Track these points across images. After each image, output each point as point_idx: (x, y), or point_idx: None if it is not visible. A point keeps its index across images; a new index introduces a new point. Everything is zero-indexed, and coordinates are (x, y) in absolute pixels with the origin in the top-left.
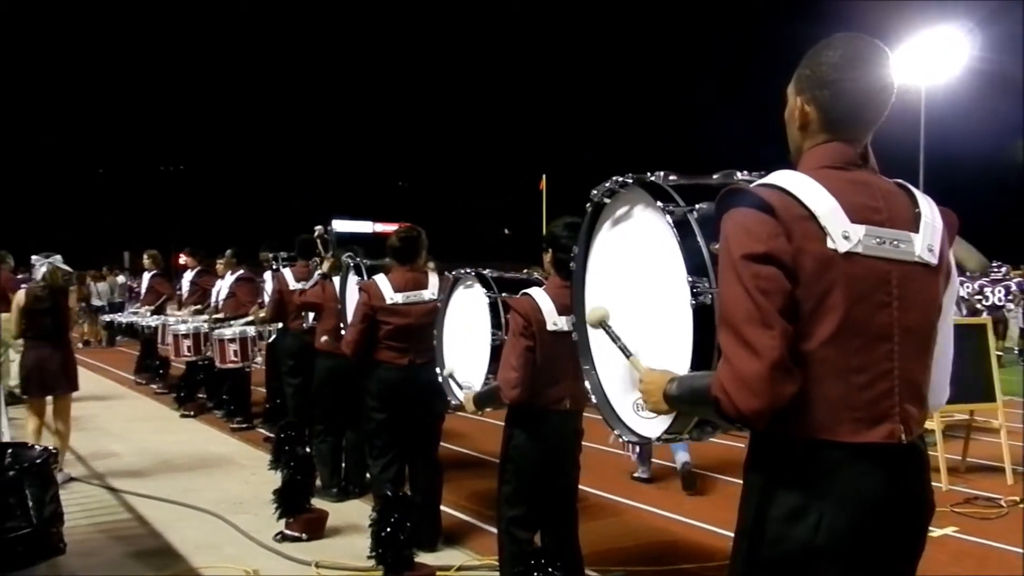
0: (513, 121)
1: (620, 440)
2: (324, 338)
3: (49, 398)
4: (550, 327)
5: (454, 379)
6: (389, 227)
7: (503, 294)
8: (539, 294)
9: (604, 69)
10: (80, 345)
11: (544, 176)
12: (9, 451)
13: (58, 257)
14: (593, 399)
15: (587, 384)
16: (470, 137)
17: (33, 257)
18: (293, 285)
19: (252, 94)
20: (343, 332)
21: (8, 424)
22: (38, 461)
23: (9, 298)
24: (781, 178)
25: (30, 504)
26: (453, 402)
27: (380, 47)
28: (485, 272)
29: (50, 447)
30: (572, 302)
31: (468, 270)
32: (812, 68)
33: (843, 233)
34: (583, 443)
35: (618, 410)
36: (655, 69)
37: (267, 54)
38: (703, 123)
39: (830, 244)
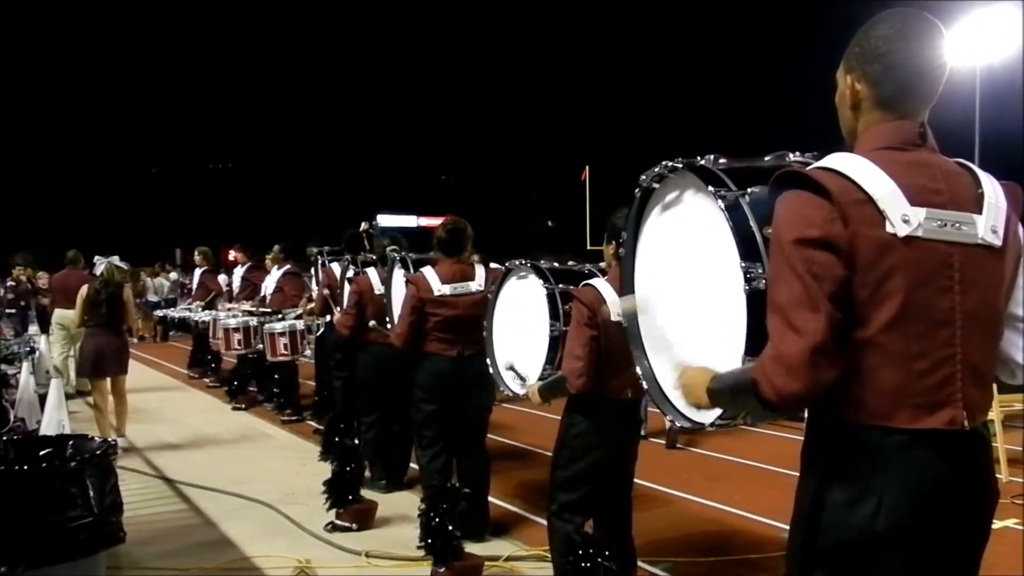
0: (554, 113)
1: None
2: (372, 322)
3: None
4: (614, 317)
5: (515, 370)
6: (433, 221)
7: (560, 285)
8: (603, 285)
9: (646, 59)
10: (135, 340)
11: (587, 167)
12: (70, 443)
13: (115, 257)
14: (645, 386)
15: (638, 371)
16: (512, 130)
17: (96, 258)
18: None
19: (297, 92)
20: (389, 324)
21: (68, 417)
22: (98, 452)
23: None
24: (837, 160)
25: (91, 494)
26: (509, 394)
27: (422, 42)
28: (541, 263)
29: (110, 439)
30: (622, 289)
31: (522, 261)
32: (861, 44)
33: (902, 217)
34: None
35: (671, 397)
36: (696, 60)
37: (311, 53)
38: (747, 111)
39: (889, 228)
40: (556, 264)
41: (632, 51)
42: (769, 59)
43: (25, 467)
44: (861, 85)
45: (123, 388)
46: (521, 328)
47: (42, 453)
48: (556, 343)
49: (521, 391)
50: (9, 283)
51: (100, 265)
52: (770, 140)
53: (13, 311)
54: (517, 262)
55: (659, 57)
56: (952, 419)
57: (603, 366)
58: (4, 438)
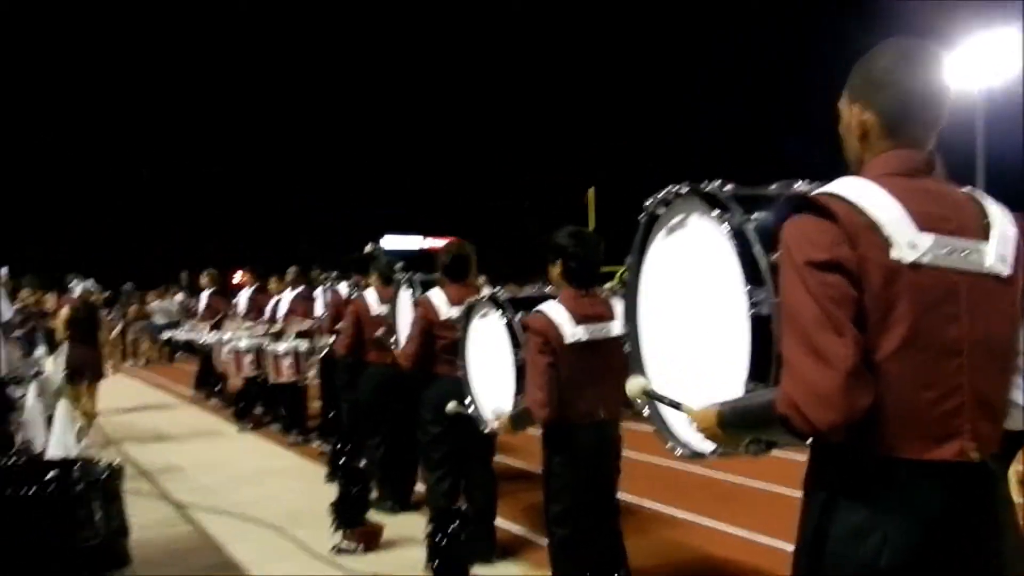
0: (558, 134)
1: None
2: (379, 331)
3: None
4: (569, 340)
5: (465, 411)
6: (438, 241)
7: (519, 313)
8: (552, 308)
9: (651, 79)
10: (142, 363)
11: (591, 189)
12: (76, 466)
13: (91, 280)
14: (646, 413)
15: (639, 402)
16: (516, 151)
17: (73, 281)
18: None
19: (300, 119)
20: (393, 344)
21: (75, 441)
22: (104, 476)
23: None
24: (843, 186)
25: (97, 517)
26: (485, 430)
27: (425, 63)
28: (498, 295)
29: (113, 462)
30: (625, 314)
31: (482, 297)
32: (864, 75)
33: (909, 243)
34: (636, 455)
35: (671, 424)
36: (697, 61)
37: (313, 76)
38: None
39: (895, 254)
40: (517, 295)
41: (638, 71)
42: (771, 61)
43: (32, 490)
44: (868, 115)
45: (95, 393)
46: (491, 363)
47: (48, 476)
48: (522, 372)
49: (494, 425)
50: (16, 305)
51: (77, 287)
52: (771, 144)
53: (21, 333)
54: (476, 299)
55: (662, 62)
56: (960, 451)
57: (566, 390)
58: (10, 461)
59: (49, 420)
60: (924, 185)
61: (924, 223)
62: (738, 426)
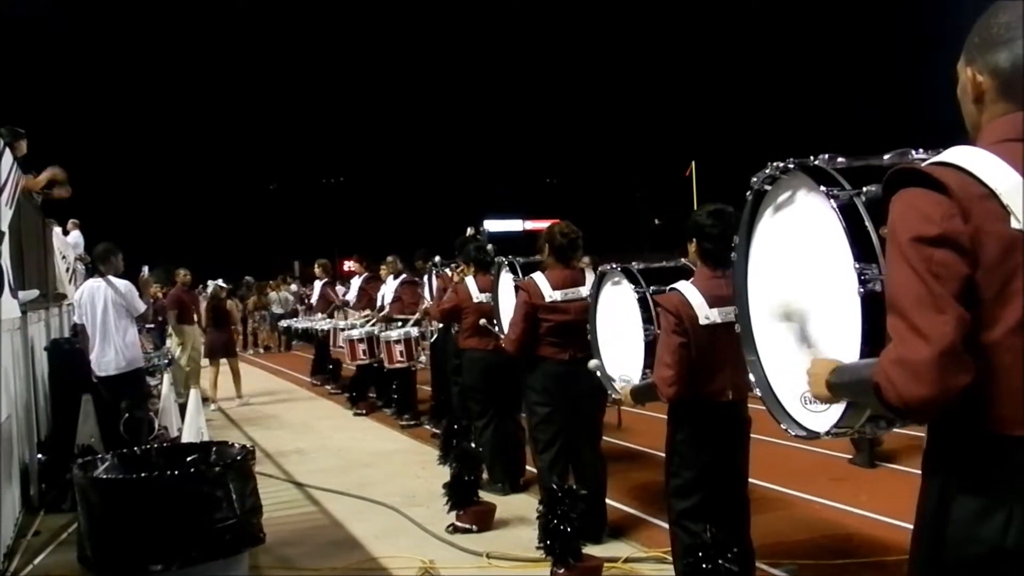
0: (658, 110)
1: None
2: (482, 321)
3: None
4: (702, 321)
5: (603, 372)
6: (539, 224)
7: (651, 288)
8: (688, 288)
9: (754, 51)
10: (261, 351)
11: (692, 163)
12: (213, 449)
13: (220, 280)
14: (758, 392)
15: (751, 376)
16: (615, 130)
17: (209, 282)
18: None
19: (400, 107)
20: (496, 327)
21: (206, 425)
22: (238, 458)
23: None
24: (956, 155)
25: (234, 497)
26: (613, 396)
27: (520, 45)
28: (632, 266)
29: (247, 444)
30: (735, 293)
31: (615, 265)
32: (982, 34)
33: None
34: (753, 435)
35: (784, 403)
36: (807, 52)
37: (413, 65)
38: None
39: (1014, 224)
40: (649, 264)
41: (740, 44)
42: (888, 55)
43: (175, 472)
44: (983, 76)
45: (236, 366)
46: (620, 333)
47: (188, 459)
48: (652, 347)
49: (617, 390)
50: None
51: (210, 286)
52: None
53: (152, 326)
54: (610, 266)
55: (767, 50)
56: None
57: (696, 371)
58: (153, 446)
59: (181, 409)
60: None
61: None
62: (842, 386)
